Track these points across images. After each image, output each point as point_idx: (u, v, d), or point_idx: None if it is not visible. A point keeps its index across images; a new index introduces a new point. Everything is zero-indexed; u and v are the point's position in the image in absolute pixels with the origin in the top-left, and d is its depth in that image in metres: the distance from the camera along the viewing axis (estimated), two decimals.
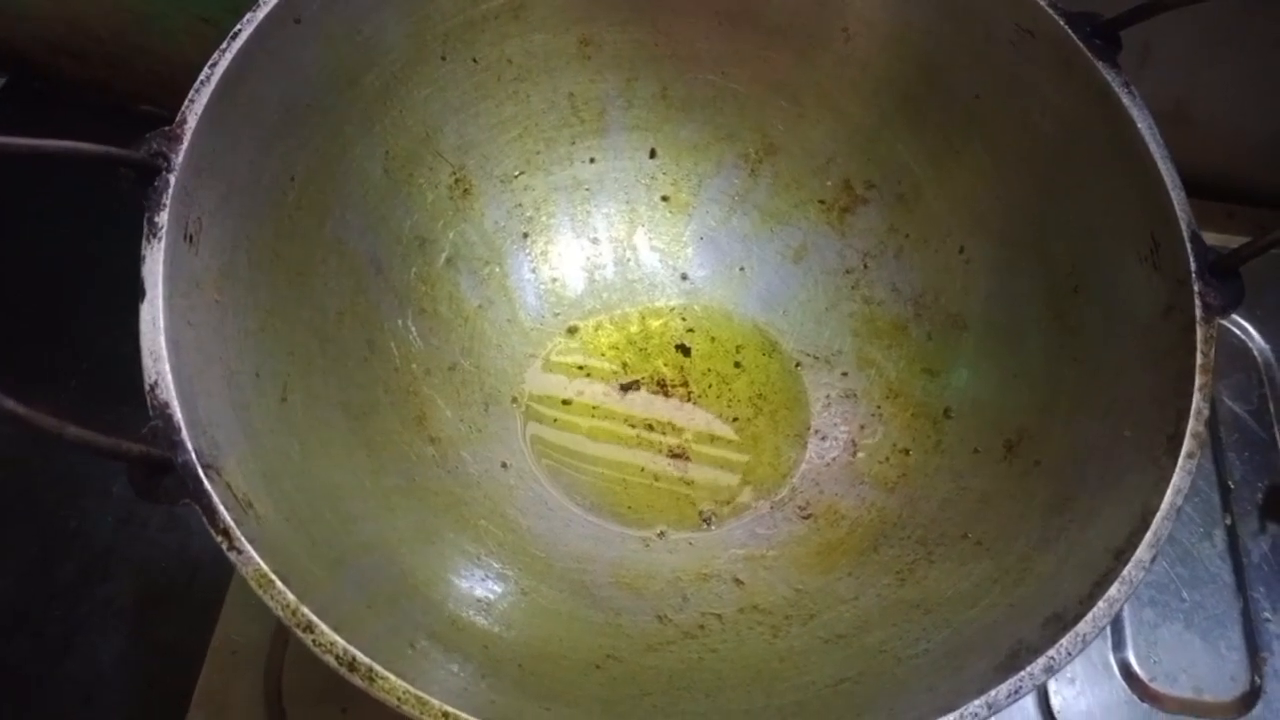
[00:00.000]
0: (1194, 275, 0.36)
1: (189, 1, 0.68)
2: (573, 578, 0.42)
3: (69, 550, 0.60)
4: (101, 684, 0.56)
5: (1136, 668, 0.49)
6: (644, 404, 0.49)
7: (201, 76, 0.35)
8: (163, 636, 0.57)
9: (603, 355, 0.50)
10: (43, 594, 0.58)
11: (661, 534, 0.45)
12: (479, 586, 0.40)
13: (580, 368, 0.50)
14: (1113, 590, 0.32)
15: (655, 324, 0.51)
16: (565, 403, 0.49)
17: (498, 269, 0.49)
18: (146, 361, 0.31)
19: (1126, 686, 0.48)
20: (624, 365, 0.50)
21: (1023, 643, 0.32)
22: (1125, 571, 0.32)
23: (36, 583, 0.59)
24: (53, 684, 0.56)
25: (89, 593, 0.59)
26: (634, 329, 0.51)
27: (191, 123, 0.34)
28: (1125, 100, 0.38)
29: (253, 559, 0.29)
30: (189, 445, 0.30)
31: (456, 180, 0.48)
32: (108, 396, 0.62)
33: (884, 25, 0.46)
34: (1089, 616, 0.32)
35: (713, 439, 0.49)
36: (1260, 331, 0.57)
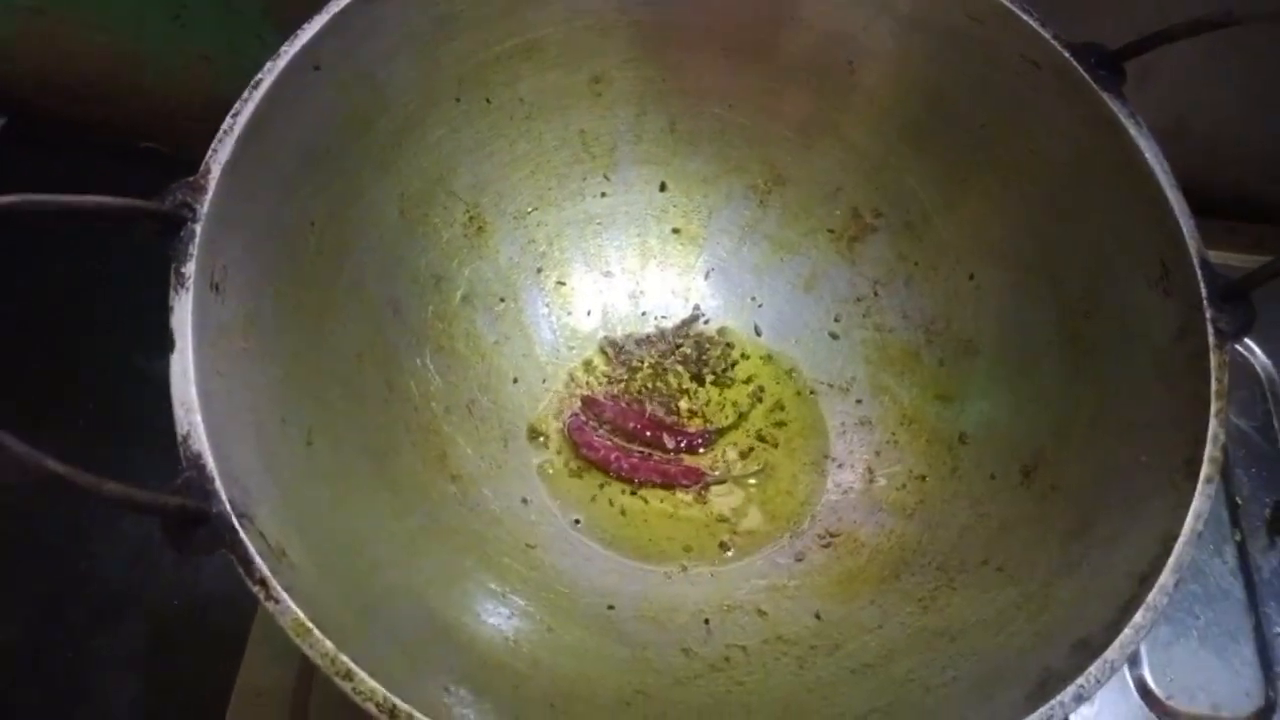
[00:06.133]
0: (1205, 301, 0.36)
1: (186, 40, 0.68)
2: (597, 613, 0.42)
3: (79, 593, 0.59)
4: None
5: (1153, 685, 0.49)
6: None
7: (225, 126, 0.35)
8: (176, 679, 0.57)
9: (618, 387, 0.51)
10: (54, 638, 0.58)
11: (683, 567, 0.46)
12: (505, 625, 0.40)
13: (596, 400, 0.50)
14: (1138, 616, 0.32)
15: (670, 356, 0.52)
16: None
17: (513, 304, 0.50)
18: (178, 412, 0.31)
19: (1144, 704, 0.48)
20: (639, 397, 0.50)
21: (1051, 670, 0.33)
22: (1150, 598, 0.32)
23: (47, 626, 0.58)
24: None
25: (101, 636, 0.58)
26: (649, 361, 0.51)
27: (215, 173, 0.34)
28: (1132, 131, 0.39)
29: (290, 608, 0.29)
30: (223, 496, 0.30)
31: (471, 218, 0.48)
32: (116, 438, 0.62)
33: (888, 57, 0.47)
34: (1116, 643, 0.32)
35: (730, 469, 0.49)
36: (1264, 349, 0.58)
